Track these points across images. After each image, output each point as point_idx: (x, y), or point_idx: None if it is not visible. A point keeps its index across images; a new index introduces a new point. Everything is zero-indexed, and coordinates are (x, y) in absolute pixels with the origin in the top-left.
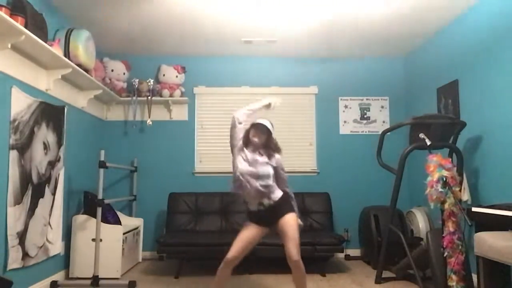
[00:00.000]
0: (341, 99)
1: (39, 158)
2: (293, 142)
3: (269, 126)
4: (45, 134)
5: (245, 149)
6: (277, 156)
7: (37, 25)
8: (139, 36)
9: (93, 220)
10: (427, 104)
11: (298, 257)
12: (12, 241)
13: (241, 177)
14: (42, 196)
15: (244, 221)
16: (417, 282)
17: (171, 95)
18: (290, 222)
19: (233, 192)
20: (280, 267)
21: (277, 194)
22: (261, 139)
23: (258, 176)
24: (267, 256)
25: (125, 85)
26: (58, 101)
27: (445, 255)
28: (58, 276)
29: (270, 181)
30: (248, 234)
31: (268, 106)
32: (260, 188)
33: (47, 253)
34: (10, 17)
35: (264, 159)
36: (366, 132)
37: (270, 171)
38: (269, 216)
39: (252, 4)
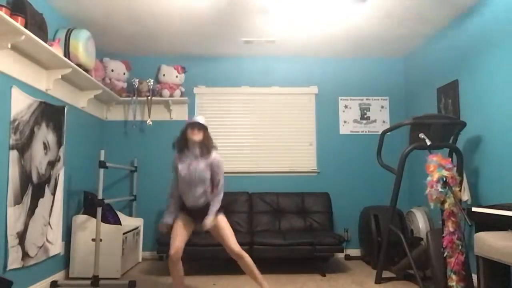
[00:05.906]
0: (341, 99)
1: (39, 158)
2: (293, 142)
3: (204, 122)
4: (45, 134)
5: (182, 156)
6: (213, 155)
7: (37, 25)
8: (139, 36)
9: (93, 220)
10: (427, 104)
11: (239, 248)
12: (12, 241)
13: (182, 184)
14: (42, 196)
15: (240, 220)
16: (417, 282)
17: (171, 95)
18: (222, 223)
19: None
20: (280, 267)
21: (209, 199)
22: (199, 136)
23: (195, 183)
24: (267, 256)
25: (125, 85)
26: (58, 101)
27: (445, 255)
28: (58, 276)
29: (206, 186)
30: (183, 226)
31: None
32: (197, 193)
33: (47, 253)
34: (10, 17)
35: (201, 162)
36: (366, 132)
37: (206, 175)
38: (199, 214)
39: (252, 4)
